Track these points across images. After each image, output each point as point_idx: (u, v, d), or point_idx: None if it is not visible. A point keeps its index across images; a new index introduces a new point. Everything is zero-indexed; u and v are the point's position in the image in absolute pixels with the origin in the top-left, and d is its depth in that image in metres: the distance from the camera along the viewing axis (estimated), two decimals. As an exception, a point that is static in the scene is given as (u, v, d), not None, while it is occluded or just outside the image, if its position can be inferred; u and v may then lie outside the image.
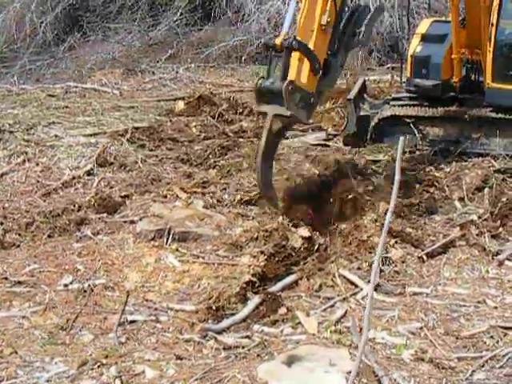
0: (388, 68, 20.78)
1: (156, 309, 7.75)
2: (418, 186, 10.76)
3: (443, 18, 13.06)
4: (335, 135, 14.01)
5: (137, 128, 14.08)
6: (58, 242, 9.34)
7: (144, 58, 23.30)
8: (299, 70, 9.37)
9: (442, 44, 13.12)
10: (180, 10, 25.41)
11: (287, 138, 13.45)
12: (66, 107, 16.84)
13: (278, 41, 9.20)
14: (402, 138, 8.20)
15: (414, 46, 13.45)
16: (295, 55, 9.31)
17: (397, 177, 7.53)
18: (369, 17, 10.66)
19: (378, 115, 12.96)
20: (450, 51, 12.93)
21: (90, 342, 7.18)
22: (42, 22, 25.79)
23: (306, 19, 9.58)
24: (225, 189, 10.73)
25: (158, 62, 23.04)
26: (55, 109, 16.59)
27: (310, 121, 10.55)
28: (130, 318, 7.49)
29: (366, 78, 16.04)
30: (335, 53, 10.25)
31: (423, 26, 13.86)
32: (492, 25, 12.13)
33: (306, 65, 9.42)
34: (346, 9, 10.68)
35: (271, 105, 9.25)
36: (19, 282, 8.31)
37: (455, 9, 12.62)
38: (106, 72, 21.88)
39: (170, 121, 14.84)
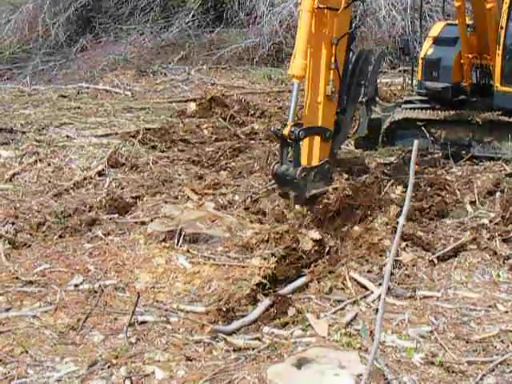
0: (400, 71, 20.77)
1: (166, 310, 7.74)
2: (429, 189, 10.73)
3: (456, 22, 13.02)
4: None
5: (148, 129, 14.12)
6: (69, 242, 9.35)
7: (156, 60, 23.37)
8: (309, 151, 9.94)
9: (452, 47, 13.14)
10: (192, 12, 25.47)
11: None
12: (78, 108, 16.92)
13: (285, 131, 9.39)
14: (416, 142, 8.21)
15: (426, 49, 13.48)
16: (304, 141, 9.75)
17: (411, 180, 7.54)
18: (371, 68, 10.99)
19: (389, 118, 12.97)
20: (460, 54, 12.94)
21: (101, 342, 7.18)
22: (54, 23, 25.91)
23: (311, 93, 9.98)
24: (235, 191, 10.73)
25: (169, 63, 23.10)
26: (67, 109, 16.67)
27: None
28: (140, 318, 7.48)
29: (378, 81, 16.02)
30: (344, 109, 10.61)
31: (436, 29, 13.88)
32: (501, 28, 12.13)
33: (316, 142, 9.95)
34: (352, 56, 10.82)
35: (291, 188, 9.68)
36: (30, 282, 8.31)
37: (461, 13, 12.62)
38: (118, 73, 21.97)
39: (182, 122, 14.88)
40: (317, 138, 9.96)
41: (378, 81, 16.18)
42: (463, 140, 12.62)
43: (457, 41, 13.08)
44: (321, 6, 9.64)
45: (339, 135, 10.69)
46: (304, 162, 9.81)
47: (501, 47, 12.24)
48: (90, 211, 10.21)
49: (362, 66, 10.81)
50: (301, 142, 9.59)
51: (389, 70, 21.78)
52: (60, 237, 9.49)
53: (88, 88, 19.88)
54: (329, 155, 10.18)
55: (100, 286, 8.14)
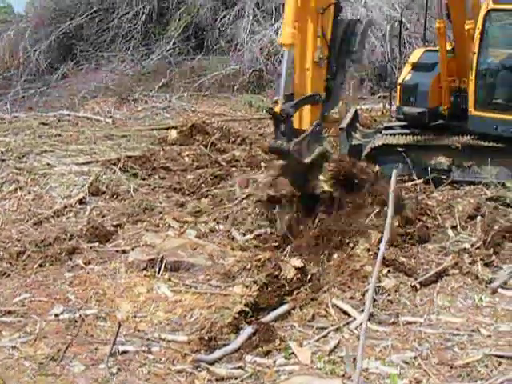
0: (379, 97, 20.85)
1: (148, 339, 7.68)
2: (410, 214, 10.73)
3: (436, 48, 13.15)
4: (328, 164, 14.02)
5: (129, 157, 14.08)
6: (49, 271, 9.29)
7: (137, 87, 23.34)
8: (300, 117, 10.28)
9: (430, 73, 13.26)
10: (173, 40, 25.54)
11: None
12: (59, 135, 16.85)
13: (277, 109, 9.70)
14: (394, 171, 8.27)
15: (404, 75, 13.58)
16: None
17: (390, 210, 7.56)
18: (359, 34, 11.21)
19: (369, 144, 13.00)
20: (438, 79, 13.05)
21: (81, 372, 7.11)
22: (35, 50, 25.91)
23: (300, 60, 10.29)
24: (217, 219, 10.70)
25: (151, 90, 23.09)
26: (48, 137, 16.60)
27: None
28: (121, 348, 7.42)
29: (358, 107, 16.11)
30: (334, 74, 10.90)
31: (415, 55, 14.00)
32: (474, 53, 12.24)
33: (306, 109, 10.30)
34: (341, 25, 11.16)
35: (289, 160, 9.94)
36: (9, 312, 8.24)
37: (442, 37, 12.76)
38: (99, 100, 21.93)
39: (163, 150, 14.85)
40: (307, 106, 10.31)
41: (358, 107, 16.31)
42: (443, 165, 12.67)
43: (435, 66, 13.20)
44: None
45: (329, 101, 11.03)
46: (295, 126, 10.09)
47: (474, 72, 12.35)
48: (70, 240, 10.15)
49: (349, 34, 11.11)
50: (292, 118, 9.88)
51: (369, 96, 21.90)
52: (40, 266, 9.43)
53: (69, 115, 19.80)
54: (320, 117, 10.51)
55: (81, 315, 8.07)
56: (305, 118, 10.31)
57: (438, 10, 12.94)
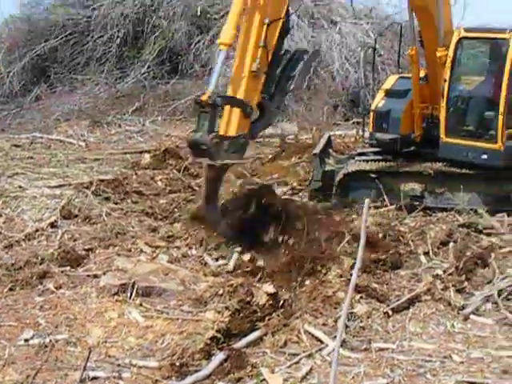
0: (353, 123, 20.97)
1: (119, 365, 7.62)
2: (383, 241, 10.77)
3: (410, 75, 13.26)
4: (300, 190, 14.05)
5: (102, 180, 14.01)
6: (19, 295, 9.20)
7: (111, 110, 23.32)
8: (228, 121, 10.14)
9: (403, 99, 13.37)
10: (147, 63, 25.57)
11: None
12: (31, 158, 16.79)
13: (204, 97, 9.78)
14: (367, 200, 8.30)
15: (377, 101, 13.68)
16: (226, 108, 10.11)
17: (362, 239, 7.57)
18: (303, 62, 11.22)
19: (342, 170, 13.04)
20: (411, 106, 13.16)
21: (51, 399, 7.04)
22: (9, 72, 25.81)
23: (238, 67, 10.30)
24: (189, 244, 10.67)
25: (124, 114, 23.07)
26: (20, 159, 16.53)
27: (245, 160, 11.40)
28: (91, 374, 7.35)
29: (332, 133, 16.18)
30: (271, 96, 10.86)
31: (389, 82, 14.13)
32: (445, 80, 12.36)
33: (236, 113, 10.12)
34: (287, 54, 11.29)
35: (204, 157, 9.88)
36: (-22, 337, 8.14)
37: (415, 64, 12.90)
38: (72, 123, 21.87)
39: (136, 174, 14.81)
40: (236, 111, 10.14)
41: (332, 133, 16.38)
42: (416, 191, 12.73)
43: (408, 93, 13.32)
44: None
45: (261, 121, 10.94)
46: (221, 132, 10.04)
47: (445, 99, 12.46)
48: (41, 264, 10.06)
49: (294, 62, 11.16)
50: (219, 109, 9.90)
51: (342, 122, 22.01)
52: (10, 290, 9.34)
53: (42, 138, 19.76)
54: (248, 133, 10.36)
55: (51, 340, 7.99)
56: (232, 125, 10.16)
57: (412, 37, 13.09)
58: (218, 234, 10.54)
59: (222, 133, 10.02)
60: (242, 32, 10.25)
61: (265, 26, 10.27)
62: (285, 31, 10.90)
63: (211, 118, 9.76)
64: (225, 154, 9.84)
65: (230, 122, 10.14)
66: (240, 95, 10.18)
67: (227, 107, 10.13)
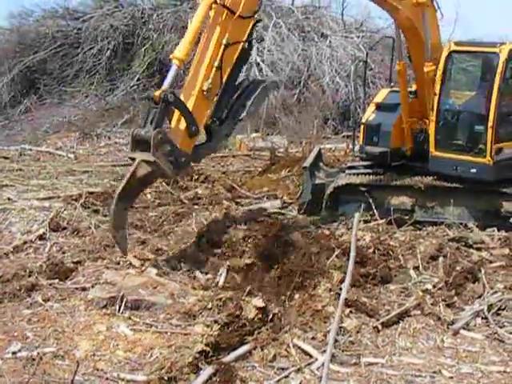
0: (343, 136, 21.03)
1: (107, 378, 7.56)
2: (373, 255, 10.76)
3: (400, 88, 13.31)
4: (290, 203, 14.05)
5: (91, 193, 14.01)
6: (7, 307, 9.14)
7: (100, 123, 23.34)
8: (176, 127, 9.89)
9: (393, 113, 13.40)
10: (137, 76, 25.63)
11: (242, 206, 13.53)
12: (20, 170, 16.78)
13: (156, 93, 9.65)
14: (357, 215, 8.29)
15: (368, 114, 13.72)
16: (177, 113, 9.84)
17: (352, 253, 7.57)
18: (259, 90, 10.97)
19: (332, 184, 13.04)
20: (401, 120, 13.18)
21: (38, 413, 6.99)
22: (-2, 83, 25.79)
23: (189, 83, 10.14)
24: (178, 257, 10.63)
25: (114, 126, 23.10)
26: (9, 171, 16.53)
27: (178, 177, 10.82)
28: (79, 387, 7.31)
29: (322, 147, 16.20)
30: (221, 122, 10.62)
31: (380, 96, 14.17)
32: (435, 94, 12.39)
33: (183, 124, 9.88)
34: (244, 83, 11.08)
35: (142, 152, 9.62)
36: (-35, 350, 8.08)
37: (402, 79, 12.94)
38: (62, 135, 21.89)
39: (125, 186, 14.75)
40: (183, 124, 9.87)
41: (322, 146, 16.39)
42: (406, 205, 12.73)
43: (398, 107, 13.34)
44: (218, 1, 9.91)
45: (208, 144, 10.69)
46: (168, 134, 9.74)
47: (434, 113, 12.49)
48: (29, 276, 10.00)
49: (249, 90, 10.92)
50: (169, 107, 9.65)
51: (332, 135, 22.07)
52: (-2, 302, 9.27)
53: (31, 150, 19.75)
54: (191, 154, 10.09)
55: (38, 353, 7.94)
56: (178, 136, 9.86)
57: (399, 52, 13.13)
58: (115, 243, 10.12)
59: (169, 134, 9.73)
60: (199, 48, 10.13)
61: (222, 47, 10.08)
62: (244, 57, 10.65)
63: (160, 114, 9.59)
64: (163, 156, 9.50)
65: (177, 130, 9.89)
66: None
67: (177, 114, 9.88)
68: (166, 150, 9.54)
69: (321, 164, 14.36)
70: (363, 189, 12.85)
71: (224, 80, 10.28)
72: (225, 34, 10.07)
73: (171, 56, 9.90)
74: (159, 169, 9.63)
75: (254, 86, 11.00)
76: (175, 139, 9.73)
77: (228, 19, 10.08)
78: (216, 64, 10.05)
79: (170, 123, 9.93)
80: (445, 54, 12.42)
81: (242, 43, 10.37)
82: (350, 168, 13.72)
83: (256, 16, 10.57)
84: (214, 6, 9.91)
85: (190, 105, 9.91)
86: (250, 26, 10.48)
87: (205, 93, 10.00)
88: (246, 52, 10.64)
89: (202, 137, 10.50)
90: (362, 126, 13.77)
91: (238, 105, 10.76)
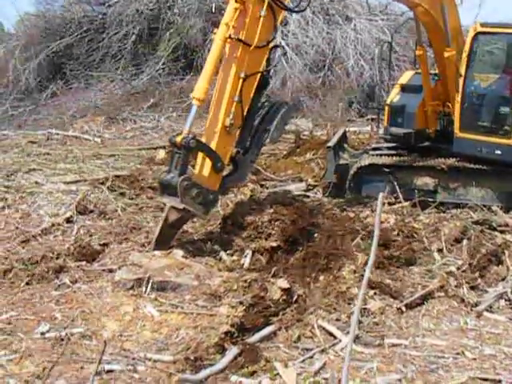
0: (368, 119, 20.97)
1: (134, 358, 7.64)
2: (397, 237, 10.78)
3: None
4: (315, 186, 14.08)
5: (117, 176, 14.11)
6: (35, 289, 9.24)
7: (126, 107, 23.42)
8: (201, 169, 10.00)
9: (418, 94, 13.35)
10: (162, 60, 25.67)
11: (267, 188, 13.57)
12: (48, 154, 16.90)
13: (178, 139, 9.66)
14: (381, 195, 8.31)
15: (393, 96, 13.69)
16: (201, 154, 9.94)
17: (376, 235, 7.59)
18: (280, 115, 10.98)
19: (356, 164, 13.05)
20: (425, 102, 13.14)
21: (67, 391, 7.09)
22: (25, 69, 25.95)
23: (211, 121, 10.11)
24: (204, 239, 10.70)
25: (139, 110, 23.18)
26: (36, 155, 16.65)
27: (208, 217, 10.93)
28: (107, 367, 7.37)
29: (346, 129, 16.17)
30: (246, 150, 10.70)
31: (405, 77, 14.15)
32: (460, 76, 12.33)
33: (208, 164, 9.97)
34: (266, 104, 11.08)
35: (170, 197, 9.79)
36: (-5, 330, 8.21)
37: (423, 63, 12.89)
38: (88, 120, 21.98)
39: (151, 169, 14.89)
40: (208, 163, 9.98)
41: (347, 129, 16.37)
42: (429, 186, 12.72)
43: (422, 89, 13.29)
44: (232, 36, 9.86)
45: (235, 175, 10.80)
46: (195, 177, 9.88)
47: (460, 94, 12.44)
48: (57, 258, 10.10)
49: (271, 114, 10.94)
50: (191, 153, 9.75)
51: (357, 118, 22.01)
52: (27, 284, 9.38)
53: (58, 134, 19.88)
54: (218, 188, 10.19)
55: (67, 334, 8.02)
56: (203, 175, 9.99)
57: (418, 36, 13.08)
58: None
59: (195, 178, 9.86)
60: (218, 85, 10.10)
61: (241, 80, 10.03)
62: (264, 84, 10.64)
63: (183, 161, 9.66)
64: (191, 201, 9.70)
65: (202, 172, 10.01)
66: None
67: (201, 154, 10.00)
68: (194, 193, 9.70)
69: (345, 145, 14.37)
70: (386, 169, 12.86)
71: (246, 111, 10.29)
72: (242, 67, 10.04)
73: (191, 95, 9.87)
74: (189, 213, 9.89)
75: (274, 109, 11.00)
76: (201, 181, 9.87)
77: (244, 52, 10.04)
78: (236, 98, 10.04)
79: (193, 167, 10.04)
80: (471, 35, 12.35)
81: (260, 72, 10.37)
82: (375, 149, 13.73)
83: (272, 43, 10.55)
84: (228, 40, 9.87)
85: (213, 143, 9.98)
86: (267, 54, 10.49)
87: (227, 128, 10.04)
88: (264, 80, 10.64)
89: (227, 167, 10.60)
90: (386, 108, 13.76)
91: (261, 130, 10.84)
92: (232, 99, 10.03)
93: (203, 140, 9.99)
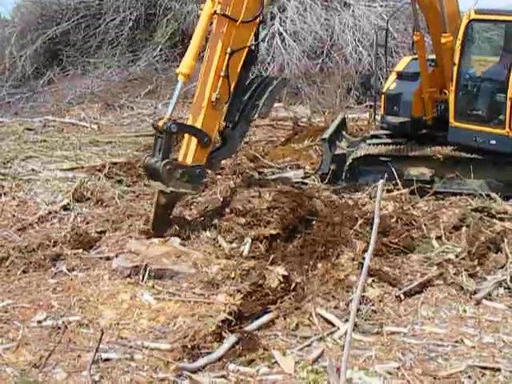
0: (366, 106, 20.91)
1: (131, 347, 7.62)
2: (395, 224, 10.75)
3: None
4: (313, 173, 14.02)
5: (114, 163, 14.07)
6: (32, 277, 9.23)
7: (123, 93, 23.34)
8: (186, 150, 10.10)
9: (414, 82, 13.26)
10: (160, 46, 25.56)
11: (265, 175, 13.54)
12: (44, 141, 16.85)
13: (160, 123, 9.77)
14: (381, 181, 8.26)
15: (389, 84, 13.62)
16: (186, 135, 10.11)
17: (376, 219, 7.55)
18: (269, 90, 11.00)
19: (352, 155, 12.97)
20: (421, 89, 13.06)
21: (64, 380, 7.06)
22: (21, 56, 25.84)
23: (198, 96, 10.19)
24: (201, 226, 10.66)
25: (136, 97, 23.10)
26: (33, 143, 16.60)
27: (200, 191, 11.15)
28: (104, 355, 7.36)
29: (346, 116, 16.13)
30: (234, 124, 10.77)
31: (401, 64, 14.06)
32: (454, 64, 12.24)
33: (193, 142, 10.05)
34: (256, 80, 11.20)
35: (157, 181, 9.93)
36: (-8, 318, 8.18)
37: (421, 50, 12.79)
38: (85, 106, 21.91)
39: (148, 156, 14.79)
40: (194, 140, 10.09)
41: (346, 116, 16.32)
42: (425, 175, 12.64)
43: (419, 76, 13.21)
44: (218, 11, 9.92)
45: (223, 149, 10.90)
46: (180, 158, 10.07)
47: (454, 83, 12.35)
48: (54, 246, 10.09)
49: (260, 89, 10.99)
50: (174, 136, 9.97)
51: (355, 105, 21.95)
52: (23, 272, 9.37)
53: (54, 121, 19.82)
54: (205, 162, 10.29)
55: (63, 322, 8.01)
56: (189, 154, 10.11)
57: (416, 22, 13.00)
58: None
59: (180, 159, 10.02)
60: (204, 60, 10.16)
61: (227, 55, 10.08)
62: (251, 59, 10.67)
63: (165, 145, 9.76)
64: (177, 182, 9.82)
65: (188, 151, 10.09)
66: (198, 125, 10.09)
67: (187, 135, 10.11)
68: (178, 174, 9.83)
69: (344, 133, 14.31)
70: (383, 159, 12.79)
71: (232, 86, 10.33)
72: (229, 43, 10.09)
73: (177, 71, 9.98)
74: (178, 194, 10.09)
75: (264, 84, 11.04)
76: (187, 160, 10.03)
77: (230, 27, 10.10)
78: (222, 73, 10.09)
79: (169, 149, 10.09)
80: (464, 22, 12.24)
81: (247, 47, 10.40)
82: (373, 137, 13.66)
83: (259, 18, 10.51)
84: (214, 16, 9.92)
85: (200, 117, 10.06)
86: (254, 29, 10.49)
87: (214, 103, 10.08)
88: (252, 56, 10.66)
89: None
90: (382, 96, 13.67)
91: (250, 105, 10.86)
92: (218, 74, 10.10)
93: (190, 117, 10.16)
